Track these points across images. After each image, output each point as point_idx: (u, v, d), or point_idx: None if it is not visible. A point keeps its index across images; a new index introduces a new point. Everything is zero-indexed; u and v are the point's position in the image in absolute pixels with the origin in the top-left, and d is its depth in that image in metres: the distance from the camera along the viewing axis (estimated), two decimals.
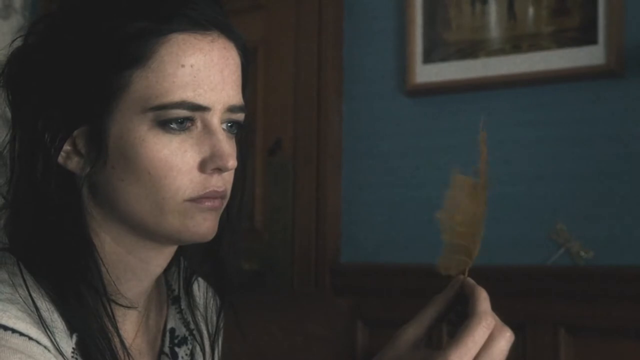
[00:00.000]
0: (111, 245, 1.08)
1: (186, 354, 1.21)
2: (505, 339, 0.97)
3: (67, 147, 1.05)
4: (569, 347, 2.56)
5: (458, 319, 0.99)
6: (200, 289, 1.27)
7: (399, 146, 2.90)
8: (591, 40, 2.56)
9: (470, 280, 1.01)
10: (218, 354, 1.28)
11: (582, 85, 2.60)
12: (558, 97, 2.65)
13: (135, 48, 1.03)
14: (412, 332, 1.00)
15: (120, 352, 1.06)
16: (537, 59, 2.64)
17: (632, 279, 2.48)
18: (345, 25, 3.03)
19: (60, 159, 1.06)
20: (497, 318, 0.98)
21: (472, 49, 2.75)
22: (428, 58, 2.81)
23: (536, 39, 2.65)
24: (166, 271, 1.21)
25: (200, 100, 1.04)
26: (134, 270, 1.11)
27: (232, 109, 1.07)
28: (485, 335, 0.96)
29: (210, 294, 1.28)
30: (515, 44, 2.69)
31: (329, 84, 3.00)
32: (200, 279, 1.27)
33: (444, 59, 2.79)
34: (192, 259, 1.22)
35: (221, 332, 1.27)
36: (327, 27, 3.01)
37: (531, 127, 2.68)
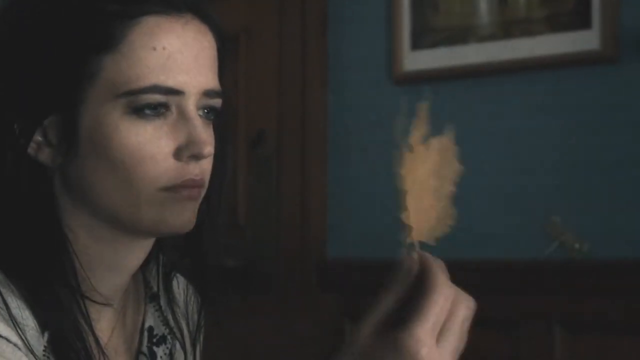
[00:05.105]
0: (85, 239, 1.06)
1: (165, 354, 1.19)
2: (467, 308, 0.96)
3: (37, 137, 1.03)
4: (564, 342, 2.55)
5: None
6: (180, 286, 1.25)
7: (387, 137, 2.84)
8: (585, 24, 2.56)
9: (424, 254, 0.99)
10: (199, 352, 1.26)
11: (575, 71, 2.60)
12: (551, 84, 2.64)
13: (105, 32, 1.01)
14: (372, 321, 0.97)
15: (95, 351, 1.04)
16: (529, 45, 2.64)
17: (628, 272, 2.48)
18: (330, 11, 3.03)
19: (30, 151, 1.03)
20: (456, 288, 0.97)
21: (462, 35, 2.75)
22: (416, 44, 2.81)
23: (528, 23, 2.65)
24: (144, 268, 1.19)
25: (173, 84, 1.02)
26: (109, 265, 1.08)
27: (208, 94, 1.05)
28: (447, 307, 0.94)
29: (190, 291, 1.25)
30: (507, 29, 2.68)
31: (313, 73, 3.00)
32: (180, 276, 1.25)
33: (433, 45, 2.79)
34: (171, 254, 1.20)
35: (202, 331, 1.25)
36: (310, 13, 3.01)
37: (523, 116, 2.68)
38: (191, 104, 1.03)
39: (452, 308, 0.94)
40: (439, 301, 0.93)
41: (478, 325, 2.92)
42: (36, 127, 1.02)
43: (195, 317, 1.23)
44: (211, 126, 1.07)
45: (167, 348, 1.18)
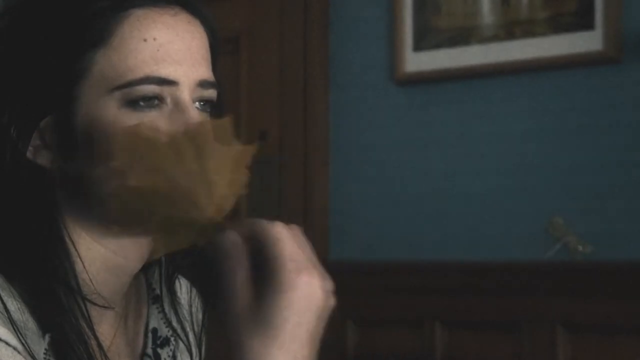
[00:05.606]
0: (86, 240, 1.05)
1: (169, 355, 1.18)
2: (299, 229, 0.95)
3: (35, 141, 1.03)
4: (567, 344, 2.55)
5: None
6: (182, 288, 1.24)
7: (389, 138, 2.89)
8: (588, 25, 2.56)
9: (236, 223, 0.97)
10: (204, 353, 1.25)
11: (578, 72, 2.60)
12: (554, 85, 2.64)
13: (95, 27, 1.01)
14: (241, 302, 0.93)
15: (98, 355, 1.03)
16: (532, 46, 2.63)
17: (631, 274, 2.48)
18: (332, 12, 3.02)
19: (29, 154, 1.03)
20: (279, 222, 0.96)
21: (464, 36, 2.74)
22: (418, 45, 2.80)
23: (531, 24, 2.64)
24: (146, 270, 1.18)
25: (166, 74, 1.01)
26: (110, 266, 1.07)
27: (202, 84, 1.05)
28: (293, 242, 0.93)
29: (194, 292, 1.25)
30: (509, 30, 2.67)
31: (315, 74, 3.00)
32: (182, 278, 1.24)
33: (435, 46, 2.78)
34: (173, 254, 1.17)
35: (205, 331, 1.24)
36: (312, 14, 3.01)
37: (526, 117, 2.67)
38: (186, 95, 1.02)
39: (294, 241, 0.94)
40: (286, 240, 0.93)
41: (480, 326, 2.94)
42: (33, 129, 1.02)
43: (200, 317, 1.23)
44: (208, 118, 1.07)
45: (171, 350, 1.18)
